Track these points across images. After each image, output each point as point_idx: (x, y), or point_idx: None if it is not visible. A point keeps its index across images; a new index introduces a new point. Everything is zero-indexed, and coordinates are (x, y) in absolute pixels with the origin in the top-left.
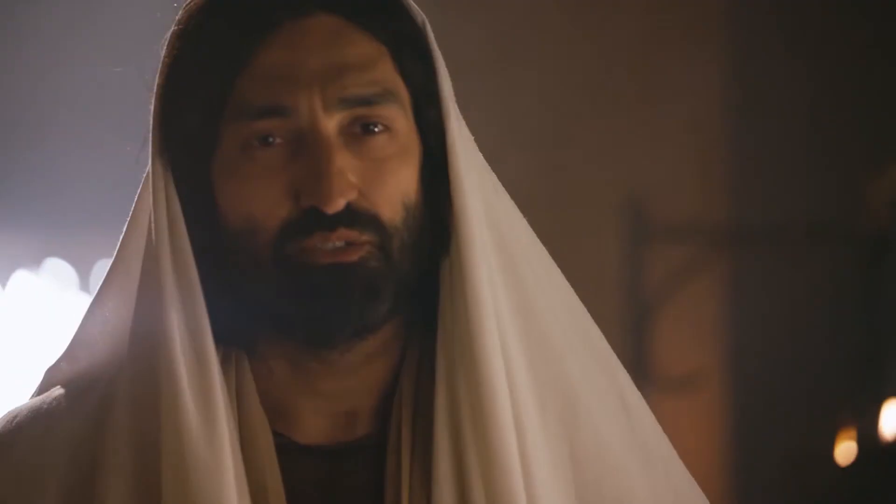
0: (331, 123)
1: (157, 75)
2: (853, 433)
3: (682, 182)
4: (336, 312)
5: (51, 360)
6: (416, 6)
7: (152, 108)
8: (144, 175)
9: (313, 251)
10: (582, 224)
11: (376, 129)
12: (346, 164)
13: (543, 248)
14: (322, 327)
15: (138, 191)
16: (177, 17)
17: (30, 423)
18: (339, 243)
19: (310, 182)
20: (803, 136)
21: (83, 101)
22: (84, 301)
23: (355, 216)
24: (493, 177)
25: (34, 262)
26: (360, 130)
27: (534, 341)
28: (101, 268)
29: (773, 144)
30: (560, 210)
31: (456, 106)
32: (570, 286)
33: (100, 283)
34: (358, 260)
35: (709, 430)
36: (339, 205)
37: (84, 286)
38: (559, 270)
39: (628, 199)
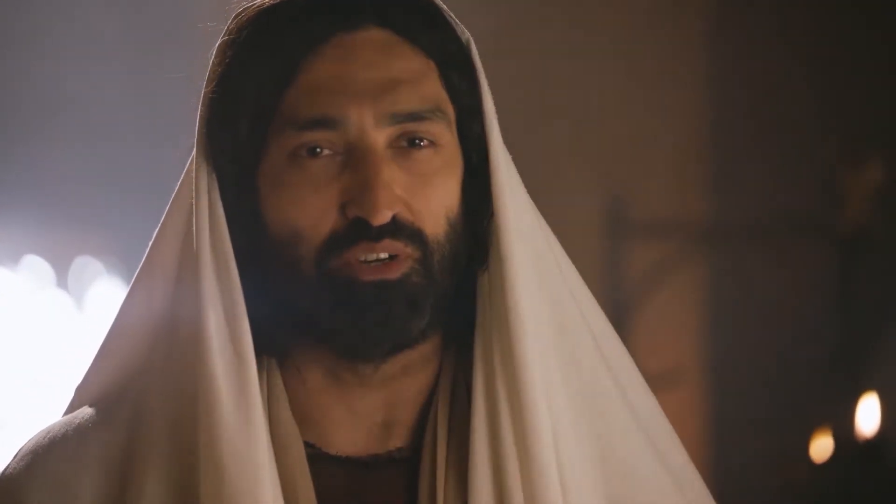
0: (380, 137)
1: (206, 82)
2: (831, 430)
3: (660, 178)
4: (377, 327)
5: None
6: (461, 24)
7: (199, 113)
8: (181, 179)
9: (357, 265)
10: (561, 220)
11: (422, 144)
12: (393, 178)
13: (572, 263)
14: (362, 341)
15: (172, 196)
16: (227, 27)
17: (63, 437)
18: (382, 255)
19: (357, 193)
20: (782, 133)
21: (62, 99)
22: (62, 298)
23: (400, 228)
24: (521, 182)
25: (12, 259)
26: (407, 144)
27: (568, 356)
28: (79, 265)
29: (752, 141)
30: (539, 206)
31: (497, 122)
32: (594, 299)
33: (79, 280)
34: (401, 276)
35: (687, 426)
36: (385, 217)
37: (62, 283)
38: (585, 285)
39: (608, 195)
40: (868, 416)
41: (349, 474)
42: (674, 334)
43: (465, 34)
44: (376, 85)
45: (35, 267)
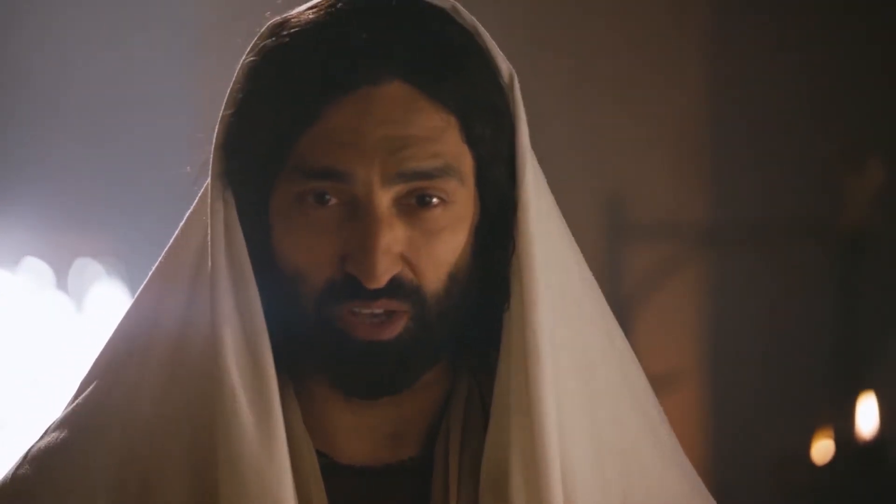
0: (386, 196)
1: (225, 103)
2: (831, 431)
3: (660, 180)
4: (367, 382)
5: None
6: (505, 60)
7: (216, 133)
8: (199, 195)
9: (352, 319)
10: None
11: (433, 202)
12: (396, 236)
13: (597, 285)
14: (355, 391)
15: (192, 206)
16: (256, 42)
17: (78, 439)
18: (378, 311)
19: (357, 254)
20: (782, 134)
21: (62, 101)
22: (61, 300)
23: (399, 288)
24: (558, 212)
25: (12, 261)
26: (416, 202)
27: (600, 392)
28: (79, 267)
29: (752, 142)
30: None
31: (532, 154)
32: (618, 326)
33: (79, 281)
34: (394, 338)
35: (688, 428)
36: (381, 282)
37: (61, 285)
38: (609, 310)
39: (607, 197)
40: (868, 416)
41: (362, 483)
42: (674, 335)
43: (508, 69)
44: (388, 143)
45: (35, 269)
